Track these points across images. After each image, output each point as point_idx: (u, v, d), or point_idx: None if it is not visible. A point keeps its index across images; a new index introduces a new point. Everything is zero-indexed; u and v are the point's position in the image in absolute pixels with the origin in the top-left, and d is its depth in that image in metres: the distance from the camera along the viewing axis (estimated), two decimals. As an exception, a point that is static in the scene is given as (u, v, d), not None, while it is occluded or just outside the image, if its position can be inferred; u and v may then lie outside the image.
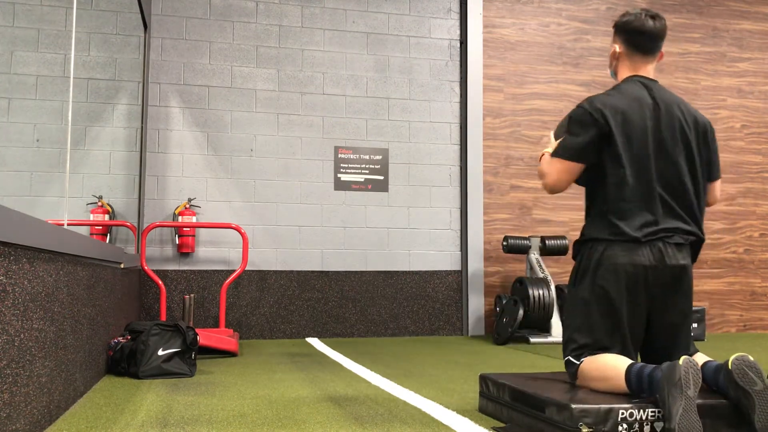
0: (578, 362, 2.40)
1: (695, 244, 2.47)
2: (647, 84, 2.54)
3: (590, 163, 2.49)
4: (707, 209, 2.44)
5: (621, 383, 2.20)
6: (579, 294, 2.47)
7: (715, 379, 2.13)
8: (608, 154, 2.44)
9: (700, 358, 2.39)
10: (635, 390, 2.16)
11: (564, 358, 2.48)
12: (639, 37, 2.53)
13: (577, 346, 2.43)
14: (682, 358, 2.00)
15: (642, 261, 2.36)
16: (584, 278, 2.46)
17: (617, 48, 2.59)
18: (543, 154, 2.62)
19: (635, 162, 2.42)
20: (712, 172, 2.56)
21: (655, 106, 2.47)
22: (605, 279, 2.39)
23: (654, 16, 2.52)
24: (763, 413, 1.97)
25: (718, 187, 2.63)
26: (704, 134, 2.52)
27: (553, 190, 2.54)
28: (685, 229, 2.42)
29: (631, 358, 2.37)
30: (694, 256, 2.48)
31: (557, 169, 2.50)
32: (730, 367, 2.03)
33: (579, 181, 2.57)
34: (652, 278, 2.37)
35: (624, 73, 2.61)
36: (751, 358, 2.03)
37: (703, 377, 2.15)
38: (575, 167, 2.49)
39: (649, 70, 2.58)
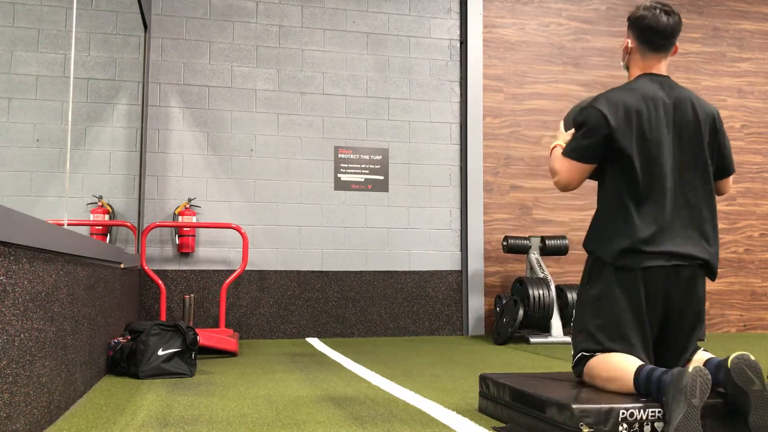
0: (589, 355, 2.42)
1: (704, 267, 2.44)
2: (660, 81, 2.52)
3: (600, 162, 2.51)
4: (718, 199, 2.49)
5: (629, 384, 2.20)
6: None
7: (716, 376, 2.13)
8: (619, 154, 2.43)
9: (703, 355, 2.39)
10: (642, 392, 2.16)
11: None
12: (652, 35, 2.49)
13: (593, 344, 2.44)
14: (693, 365, 1.97)
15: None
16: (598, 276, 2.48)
17: (629, 43, 2.58)
18: (554, 147, 2.63)
19: (648, 161, 2.41)
20: (727, 166, 2.57)
21: (669, 103, 2.46)
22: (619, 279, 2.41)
23: (669, 12, 2.48)
24: (758, 413, 1.97)
25: (730, 181, 2.63)
26: (714, 130, 2.51)
27: (565, 188, 2.56)
28: (691, 255, 2.39)
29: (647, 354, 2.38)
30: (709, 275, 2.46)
31: (568, 168, 2.52)
32: (729, 365, 2.03)
33: (592, 176, 2.59)
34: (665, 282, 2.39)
35: (636, 68, 2.59)
36: (752, 358, 2.03)
37: None
38: (586, 167, 2.51)
39: (661, 67, 2.55)
